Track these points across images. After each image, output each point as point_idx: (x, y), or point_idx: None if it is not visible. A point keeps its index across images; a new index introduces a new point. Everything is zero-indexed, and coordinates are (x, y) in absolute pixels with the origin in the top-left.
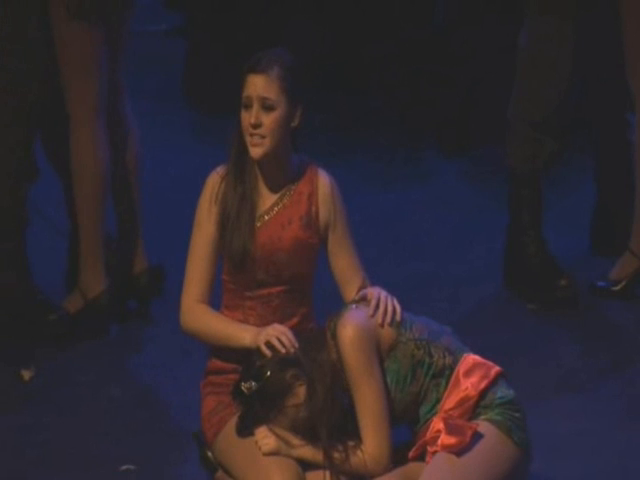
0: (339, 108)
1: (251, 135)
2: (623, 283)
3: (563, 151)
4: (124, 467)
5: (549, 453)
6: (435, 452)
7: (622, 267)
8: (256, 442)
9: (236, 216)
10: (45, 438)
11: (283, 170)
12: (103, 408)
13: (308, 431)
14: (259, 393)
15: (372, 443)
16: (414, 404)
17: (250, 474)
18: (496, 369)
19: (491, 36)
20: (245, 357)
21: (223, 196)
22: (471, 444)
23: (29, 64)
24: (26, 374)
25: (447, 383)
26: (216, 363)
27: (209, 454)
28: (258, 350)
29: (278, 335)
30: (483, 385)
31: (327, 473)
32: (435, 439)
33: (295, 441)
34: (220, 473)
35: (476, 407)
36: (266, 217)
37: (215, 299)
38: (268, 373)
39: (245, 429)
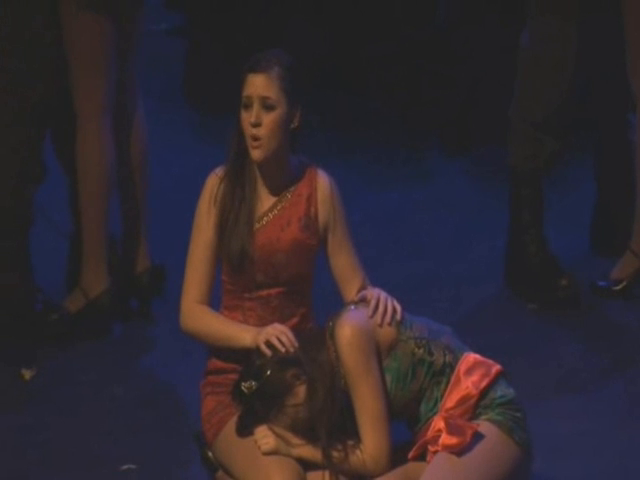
0: (340, 108)
1: (252, 137)
2: (624, 283)
3: (564, 151)
4: (125, 467)
5: (550, 453)
6: (436, 452)
7: (623, 267)
8: (256, 442)
9: (235, 218)
10: (46, 438)
11: (282, 171)
12: (104, 408)
13: (308, 431)
14: (259, 392)
15: (371, 443)
16: (415, 402)
17: (250, 474)
18: (497, 368)
19: (492, 36)
20: (245, 357)
21: (222, 198)
22: (472, 444)
23: (30, 64)
24: (27, 374)
25: (448, 382)
26: (216, 363)
27: (209, 454)
28: (258, 349)
29: (278, 334)
30: (484, 384)
31: (327, 473)
32: (436, 439)
33: (295, 440)
34: (220, 473)
35: (477, 406)
36: (265, 219)
37: (214, 300)
38: (268, 372)
39: (245, 428)
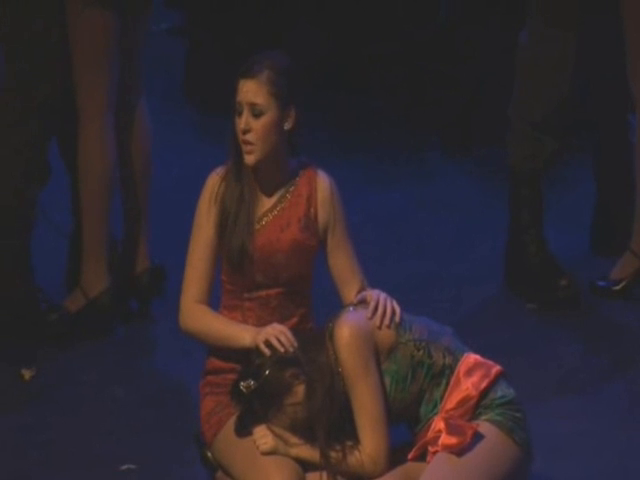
0: (342, 108)
1: (243, 142)
2: (624, 283)
3: (564, 150)
4: (125, 467)
5: (550, 453)
6: (436, 452)
7: (623, 267)
8: (254, 441)
9: (235, 218)
10: (46, 438)
11: (280, 172)
12: (104, 408)
13: (307, 431)
14: (258, 392)
15: (370, 444)
16: (414, 404)
17: (249, 474)
18: (497, 368)
19: (494, 35)
20: (243, 357)
21: (222, 197)
22: (472, 444)
23: (35, 64)
24: (27, 373)
25: (447, 383)
26: (214, 363)
27: (208, 454)
28: (257, 349)
29: (277, 334)
30: (484, 385)
31: (325, 473)
32: (436, 439)
33: (293, 440)
34: (220, 473)
35: (477, 407)
36: (265, 219)
37: (214, 300)
38: (267, 372)
39: (244, 429)
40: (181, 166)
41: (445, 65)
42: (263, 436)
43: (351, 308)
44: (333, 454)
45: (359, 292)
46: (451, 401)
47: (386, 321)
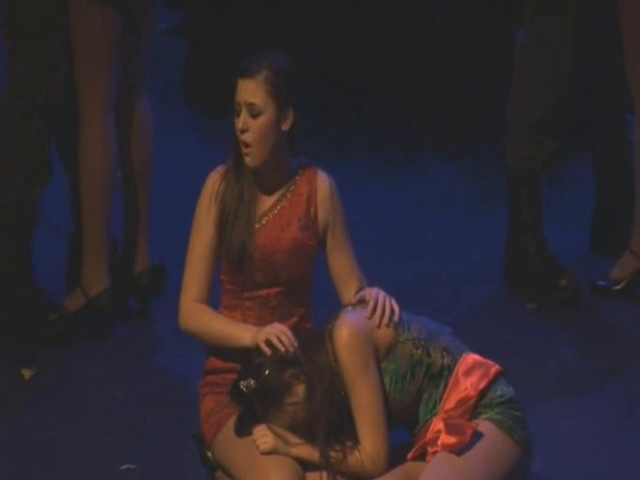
0: (341, 108)
1: (242, 143)
2: (624, 283)
3: (562, 150)
4: (125, 466)
5: (549, 453)
6: (435, 452)
7: (623, 267)
8: (254, 441)
9: (235, 217)
10: (47, 437)
11: (280, 172)
12: (104, 408)
13: (307, 431)
14: (258, 391)
15: (369, 444)
16: (413, 404)
17: (249, 474)
18: (495, 368)
19: (493, 36)
20: (243, 357)
21: (222, 196)
22: (471, 443)
23: (39, 65)
24: (26, 373)
25: (446, 384)
26: (214, 362)
27: (208, 454)
28: (257, 348)
29: (278, 334)
30: (483, 384)
31: (325, 473)
32: (435, 439)
33: (293, 440)
34: (220, 473)
35: (476, 407)
36: (265, 218)
37: (214, 300)
38: (267, 371)
39: (244, 428)
40: (181, 166)
41: (444, 65)
42: (263, 436)
43: (350, 308)
44: (333, 454)
45: (358, 292)
46: (450, 401)
47: (385, 320)
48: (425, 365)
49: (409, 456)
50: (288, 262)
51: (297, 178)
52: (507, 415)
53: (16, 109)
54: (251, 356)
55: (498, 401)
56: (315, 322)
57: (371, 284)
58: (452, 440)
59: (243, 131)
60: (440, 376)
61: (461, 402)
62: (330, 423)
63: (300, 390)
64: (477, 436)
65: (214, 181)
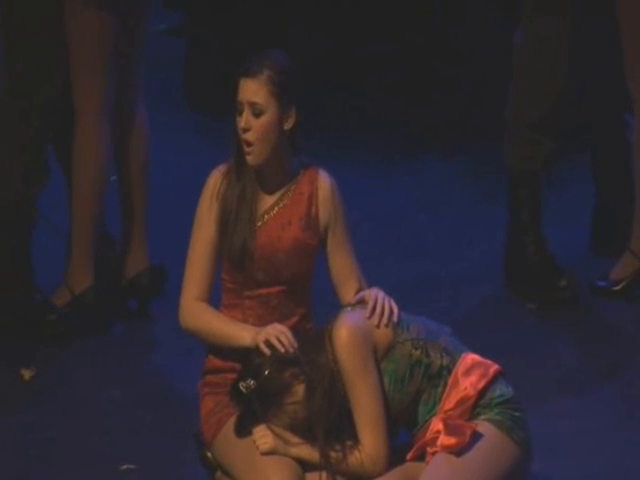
0: (340, 108)
1: (244, 142)
2: (623, 283)
3: (562, 151)
4: (124, 466)
5: (549, 453)
6: (435, 453)
7: (622, 267)
8: (254, 441)
9: (236, 215)
10: (46, 437)
11: (282, 171)
12: (104, 408)
13: (306, 430)
14: (257, 391)
15: (369, 444)
16: (413, 404)
17: (249, 474)
18: (495, 368)
19: (492, 35)
20: (243, 356)
21: (224, 194)
22: (471, 444)
23: (37, 65)
24: (26, 373)
25: (445, 384)
26: (214, 362)
27: (208, 454)
28: (257, 349)
29: (277, 334)
30: (482, 384)
31: (324, 473)
32: (434, 440)
33: (293, 440)
34: (219, 473)
35: (475, 407)
36: (266, 217)
37: (214, 299)
38: (267, 371)
39: (243, 429)
40: (180, 166)
41: (444, 65)
42: (263, 436)
43: (349, 308)
44: (333, 454)
45: (357, 292)
46: (450, 401)
47: (384, 320)
48: (424, 365)
49: (409, 456)
50: (289, 261)
51: (298, 177)
52: (506, 416)
53: (14, 109)
54: (251, 356)
55: (497, 401)
56: (315, 322)
57: (370, 284)
58: (451, 441)
59: (245, 130)
60: (439, 376)
61: (460, 402)
62: (330, 423)
63: (300, 390)
64: (476, 437)
65: (216, 179)
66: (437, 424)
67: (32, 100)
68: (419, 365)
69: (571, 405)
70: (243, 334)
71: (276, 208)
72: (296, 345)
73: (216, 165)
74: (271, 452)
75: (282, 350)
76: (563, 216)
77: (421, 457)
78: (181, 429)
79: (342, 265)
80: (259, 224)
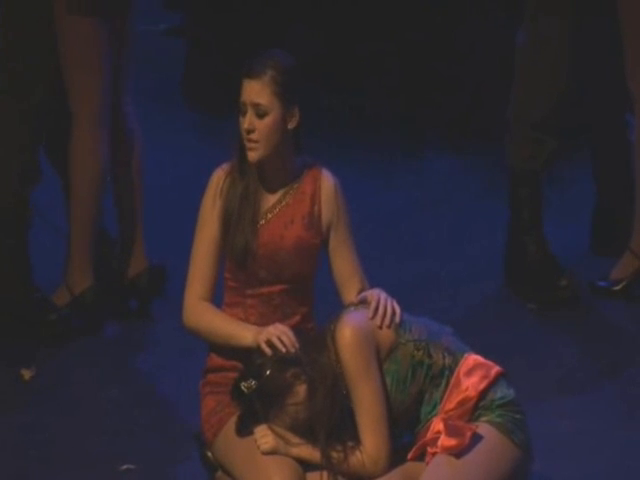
0: (340, 108)
1: (247, 140)
2: (624, 283)
3: (563, 150)
4: (124, 466)
5: (549, 453)
6: (435, 453)
7: (623, 267)
8: (255, 441)
9: (239, 213)
10: (46, 437)
11: (285, 169)
12: (104, 408)
13: (307, 431)
14: (259, 391)
15: (371, 444)
16: (415, 405)
17: (250, 474)
18: (496, 369)
19: (493, 35)
20: (244, 355)
21: (227, 192)
22: (471, 445)
23: (31, 66)
24: (26, 374)
25: (447, 384)
26: (215, 360)
27: (209, 454)
28: (259, 348)
29: (279, 334)
30: (483, 385)
31: (325, 473)
32: (435, 440)
33: (294, 440)
34: (220, 473)
35: (476, 408)
36: (269, 215)
37: (217, 299)
38: (268, 371)
39: (244, 428)
40: (179, 166)
41: (445, 64)
42: (264, 436)
43: (352, 308)
44: (334, 454)
45: (360, 292)
46: (451, 401)
47: (387, 321)
48: (426, 366)
49: (409, 456)
50: (291, 260)
51: (301, 176)
52: (507, 418)
53: (13, 109)
54: (252, 356)
55: (498, 403)
56: (317, 322)
57: (371, 283)
58: (452, 442)
59: (249, 131)
60: (441, 376)
61: (461, 402)
62: (331, 423)
63: (301, 390)
64: (477, 438)
65: (219, 178)
66: (438, 424)
67: (30, 100)
68: (421, 366)
69: (571, 405)
70: (245, 334)
71: (279, 207)
72: (298, 345)
73: (216, 165)
74: (272, 452)
75: (284, 350)
76: (563, 216)
77: (422, 456)
78: (181, 429)
79: (344, 264)
80: (262, 223)
